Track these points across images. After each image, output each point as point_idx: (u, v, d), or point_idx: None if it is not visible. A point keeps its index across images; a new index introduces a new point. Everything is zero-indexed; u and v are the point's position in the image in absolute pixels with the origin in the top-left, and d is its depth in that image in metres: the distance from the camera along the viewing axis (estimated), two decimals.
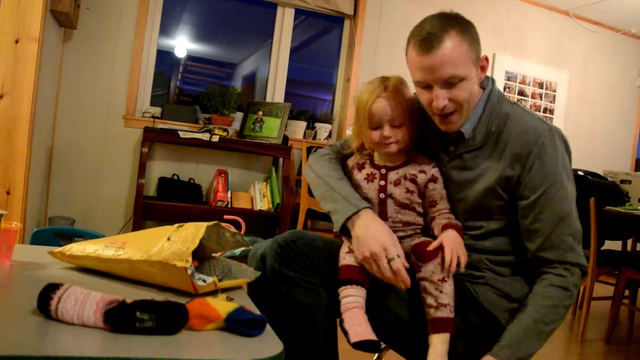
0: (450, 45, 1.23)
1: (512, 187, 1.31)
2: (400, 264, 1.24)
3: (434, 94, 1.28)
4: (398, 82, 1.40)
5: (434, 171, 1.40)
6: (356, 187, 1.43)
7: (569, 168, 1.34)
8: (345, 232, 1.33)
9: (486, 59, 1.34)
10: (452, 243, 1.29)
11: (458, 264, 1.27)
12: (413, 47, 1.29)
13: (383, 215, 1.39)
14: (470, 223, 1.38)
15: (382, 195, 1.39)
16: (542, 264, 1.32)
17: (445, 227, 1.33)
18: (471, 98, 1.30)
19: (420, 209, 1.40)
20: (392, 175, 1.39)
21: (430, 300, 1.27)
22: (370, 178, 1.41)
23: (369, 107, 1.37)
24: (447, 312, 1.26)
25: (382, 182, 1.39)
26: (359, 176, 1.44)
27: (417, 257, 1.31)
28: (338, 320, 1.27)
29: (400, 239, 1.34)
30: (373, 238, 1.25)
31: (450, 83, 1.26)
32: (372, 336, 1.22)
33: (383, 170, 1.40)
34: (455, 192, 1.39)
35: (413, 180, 1.38)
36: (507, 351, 1.26)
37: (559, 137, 1.32)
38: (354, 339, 1.21)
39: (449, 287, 1.27)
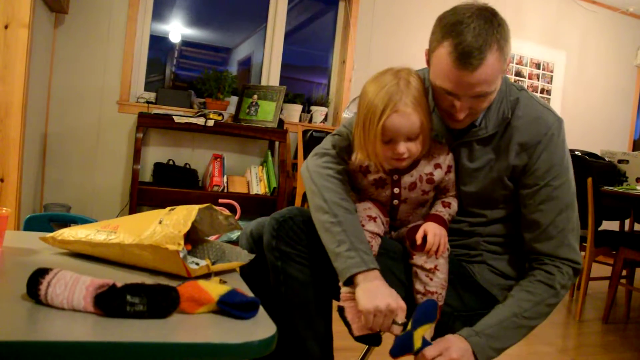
0: (491, 63, 1.14)
1: (517, 176, 1.30)
2: (399, 331, 1.19)
3: (458, 105, 1.21)
4: (415, 86, 1.23)
5: (449, 160, 1.33)
6: (363, 191, 1.38)
7: (571, 162, 1.32)
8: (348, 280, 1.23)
9: (509, 62, 1.24)
10: (433, 231, 1.27)
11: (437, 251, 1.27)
12: (449, 56, 1.15)
13: (392, 217, 1.37)
14: (473, 210, 1.37)
15: (395, 202, 1.34)
16: (534, 257, 1.32)
17: (428, 219, 1.32)
18: (488, 104, 1.26)
19: (431, 201, 1.38)
20: (407, 179, 1.32)
21: (419, 287, 1.27)
22: (379, 184, 1.33)
23: (383, 121, 1.21)
24: (434, 299, 1.26)
25: (396, 190, 1.32)
26: (365, 181, 1.35)
27: (410, 244, 1.31)
28: (337, 307, 1.25)
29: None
30: (389, 295, 1.17)
31: (478, 96, 1.19)
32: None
33: (395, 177, 1.32)
34: (460, 180, 1.36)
35: (430, 181, 1.32)
36: (478, 339, 1.23)
37: (564, 130, 1.31)
38: (357, 332, 1.20)
39: (439, 276, 1.27)
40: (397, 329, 1.18)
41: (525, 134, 1.28)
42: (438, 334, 1.32)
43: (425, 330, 1.17)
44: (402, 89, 1.22)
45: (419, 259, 1.28)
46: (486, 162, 1.32)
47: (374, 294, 1.17)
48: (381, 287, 1.19)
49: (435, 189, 1.35)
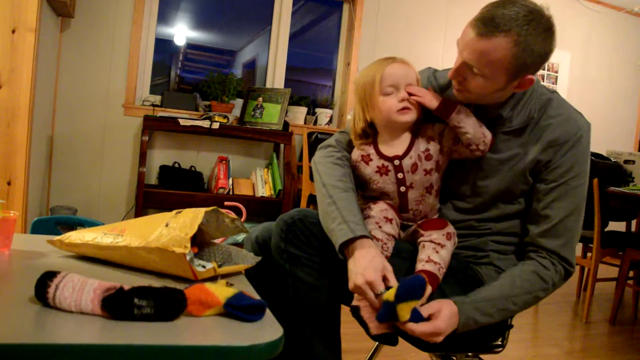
0: (496, 44, 1.14)
1: (538, 170, 1.31)
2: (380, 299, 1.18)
3: (456, 64, 1.25)
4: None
5: (437, 128, 1.37)
6: (367, 180, 1.39)
7: (589, 170, 1.33)
8: (343, 256, 1.25)
9: (530, 80, 1.23)
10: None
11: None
12: (475, 18, 1.18)
13: (403, 207, 1.37)
14: (489, 205, 1.37)
15: (402, 189, 1.36)
16: (535, 249, 1.33)
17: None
18: (482, 92, 1.26)
19: (437, 187, 1.38)
20: (407, 162, 1.35)
21: (422, 256, 1.27)
22: (383, 171, 1.36)
23: (382, 72, 1.33)
24: (434, 269, 1.24)
25: (400, 175, 1.35)
26: (368, 170, 1.38)
27: (422, 227, 1.33)
28: (351, 306, 1.25)
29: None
30: (361, 274, 1.17)
31: (470, 67, 1.21)
32: (391, 329, 1.20)
33: (396, 162, 1.35)
34: (481, 172, 1.36)
35: (428, 157, 1.35)
36: (467, 307, 1.24)
37: (590, 135, 1.33)
38: (374, 331, 1.20)
39: (445, 252, 1.27)
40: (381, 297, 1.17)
41: (555, 132, 1.30)
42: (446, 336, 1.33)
43: (411, 306, 1.13)
44: (391, 58, 1.36)
45: (429, 236, 1.30)
46: (513, 155, 1.32)
47: (353, 271, 1.19)
48: (360, 258, 1.19)
49: (441, 151, 1.36)
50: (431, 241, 1.29)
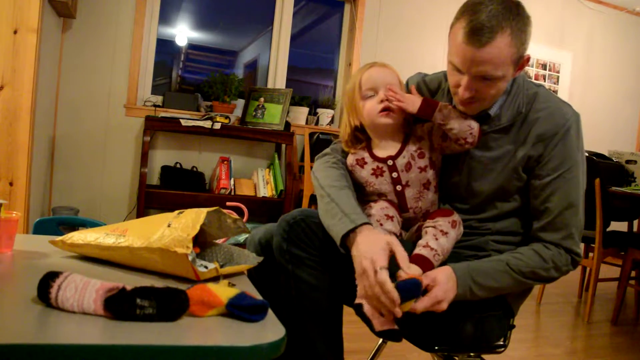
0: (500, 45, 1.17)
1: (530, 166, 1.32)
2: (385, 274, 1.15)
3: (463, 82, 1.24)
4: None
5: (426, 127, 1.38)
6: (364, 183, 1.40)
7: (584, 159, 1.34)
8: (346, 249, 1.25)
9: (527, 59, 1.27)
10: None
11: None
12: (461, 30, 1.19)
13: (403, 206, 1.38)
14: (485, 205, 1.37)
15: (398, 188, 1.36)
16: (539, 241, 1.34)
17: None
18: (497, 93, 1.27)
19: (435, 183, 1.39)
20: (400, 161, 1.36)
21: (421, 241, 1.28)
22: (378, 172, 1.37)
23: (360, 76, 1.37)
24: (429, 254, 1.25)
25: (395, 174, 1.36)
26: (364, 173, 1.39)
27: (429, 217, 1.33)
28: (354, 304, 1.24)
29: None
30: (364, 254, 1.17)
31: (482, 78, 1.22)
32: (395, 325, 1.20)
33: (390, 162, 1.36)
34: (475, 172, 1.36)
35: (421, 155, 1.36)
36: (462, 267, 1.26)
37: (581, 125, 1.33)
38: (378, 327, 1.20)
39: (445, 241, 1.27)
40: (383, 274, 1.15)
41: (543, 125, 1.30)
42: (447, 336, 1.33)
43: (411, 304, 1.15)
44: (371, 63, 1.40)
45: (434, 222, 1.31)
46: (504, 153, 1.33)
47: (356, 259, 1.20)
48: (361, 244, 1.20)
49: (431, 149, 1.37)
50: (434, 227, 1.29)
